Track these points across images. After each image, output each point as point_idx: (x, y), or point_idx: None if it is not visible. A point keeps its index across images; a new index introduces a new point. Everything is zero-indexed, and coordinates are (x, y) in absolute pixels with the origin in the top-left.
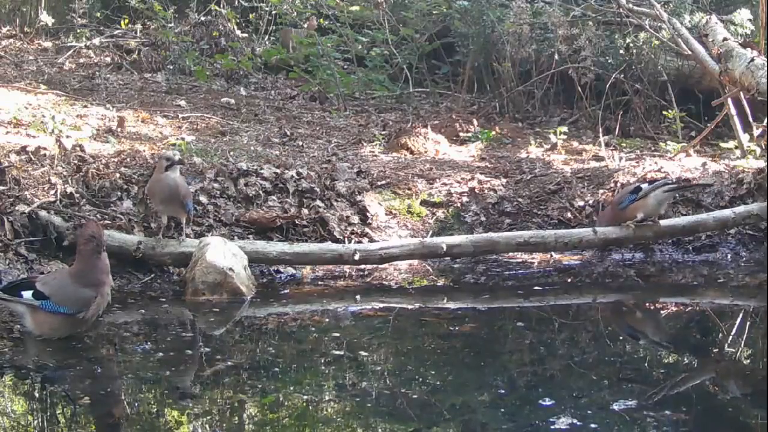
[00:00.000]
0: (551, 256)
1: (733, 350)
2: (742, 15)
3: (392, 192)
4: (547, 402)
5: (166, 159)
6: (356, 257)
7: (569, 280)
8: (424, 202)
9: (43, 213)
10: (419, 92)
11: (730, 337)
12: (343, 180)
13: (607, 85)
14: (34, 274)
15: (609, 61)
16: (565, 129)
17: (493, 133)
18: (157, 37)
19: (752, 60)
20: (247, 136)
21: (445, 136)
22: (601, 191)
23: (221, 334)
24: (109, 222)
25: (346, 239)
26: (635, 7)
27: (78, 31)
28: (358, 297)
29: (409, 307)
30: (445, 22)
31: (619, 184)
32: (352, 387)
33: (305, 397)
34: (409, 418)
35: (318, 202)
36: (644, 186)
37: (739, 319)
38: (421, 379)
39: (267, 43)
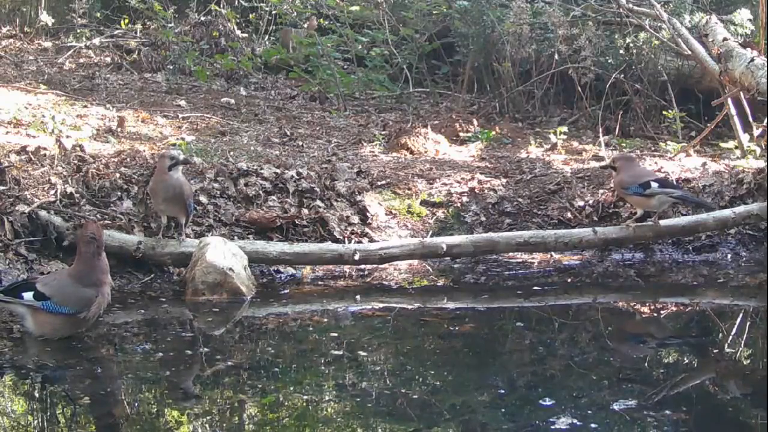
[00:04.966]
0: (551, 256)
1: (733, 350)
2: (742, 15)
3: (392, 192)
4: (547, 402)
5: (170, 158)
6: (356, 257)
7: (569, 280)
8: (424, 202)
9: (43, 213)
10: (419, 92)
11: (730, 337)
12: (343, 180)
13: (607, 85)
14: (33, 275)
15: (609, 61)
16: (565, 129)
17: (493, 133)
18: (157, 37)
19: (752, 60)
20: (247, 136)
21: (445, 136)
22: (601, 191)
23: (221, 334)
24: (109, 222)
25: (346, 239)
26: (635, 7)
27: (78, 31)
28: (358, 297)
29: (409, 307)
30: (445, 22)
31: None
32: (352, 387)
33: (305, 397)
34: (409, 418)
35: (318, 202)
36: (654, 185)
37: (739, 319)
38: (421, 379)
39: (267, 43)
